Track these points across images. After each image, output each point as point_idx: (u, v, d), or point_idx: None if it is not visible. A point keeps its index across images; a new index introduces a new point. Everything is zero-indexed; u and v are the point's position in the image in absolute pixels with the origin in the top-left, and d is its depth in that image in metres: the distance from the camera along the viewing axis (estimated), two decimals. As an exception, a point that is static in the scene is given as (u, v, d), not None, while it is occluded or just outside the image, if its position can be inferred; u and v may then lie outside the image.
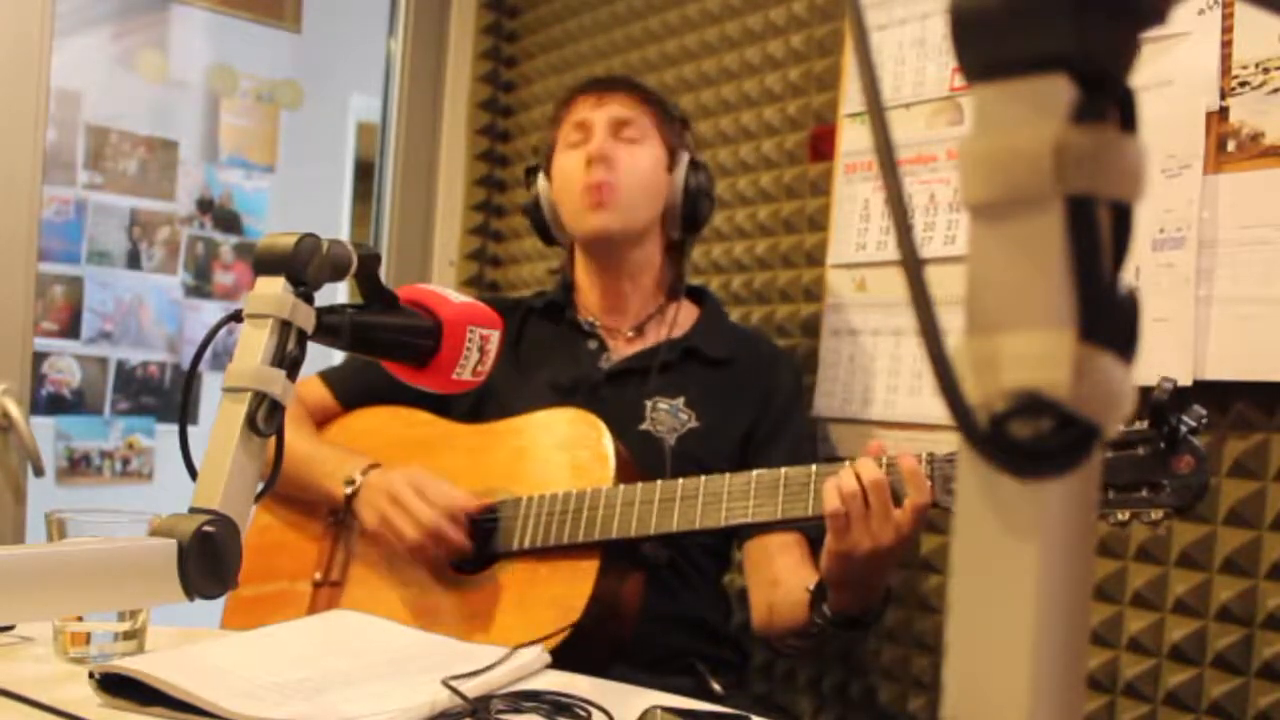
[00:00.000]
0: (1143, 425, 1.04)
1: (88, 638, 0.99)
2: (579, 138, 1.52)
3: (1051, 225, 0.33)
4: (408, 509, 1.32)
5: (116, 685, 0.84)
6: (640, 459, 1.39)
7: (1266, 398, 1.25)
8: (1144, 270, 1.33)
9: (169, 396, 2.96)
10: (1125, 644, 1.35)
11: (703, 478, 1.27)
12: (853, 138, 1.70)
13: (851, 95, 1.71)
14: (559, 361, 1.54)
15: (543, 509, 1.32)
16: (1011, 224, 0.34)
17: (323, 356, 1.58)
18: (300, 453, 1.42)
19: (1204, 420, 1.04)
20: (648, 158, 1.51)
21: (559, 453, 1.38)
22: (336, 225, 3.29)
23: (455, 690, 0.88)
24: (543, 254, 2.24)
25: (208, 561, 0.68)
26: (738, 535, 1.52)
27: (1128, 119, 0.34)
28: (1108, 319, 0.33)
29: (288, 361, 0.75)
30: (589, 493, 1.30)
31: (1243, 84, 1.27)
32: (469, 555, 1.34)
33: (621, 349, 1.55)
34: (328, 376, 1.59)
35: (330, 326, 0.78)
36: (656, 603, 1.37)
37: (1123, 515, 1.05)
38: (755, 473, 1.25)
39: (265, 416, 0.73)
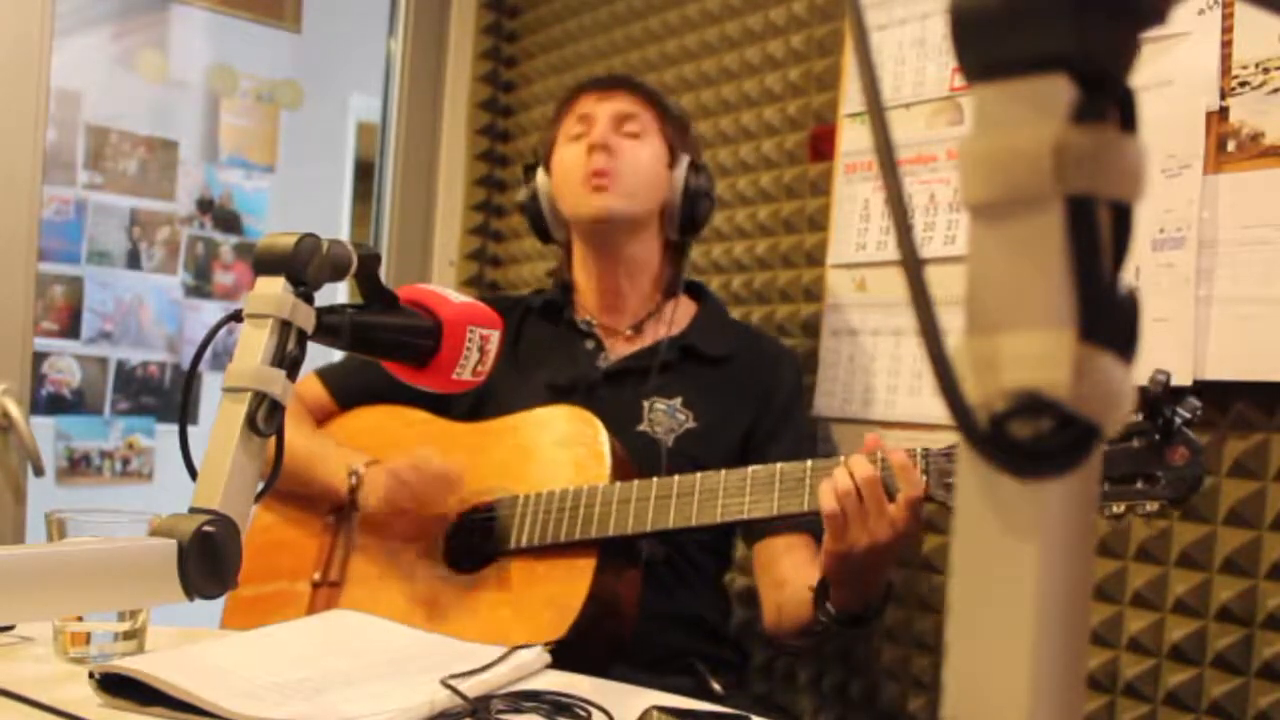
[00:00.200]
0: (1137, 417, 1.05)
1: (88, 638, 0.99)
2: (581, 130, 1.52)
3: (1051, 225, 0.33)
4: (409, 486, 1.35)
5: (116, 685, 0.84)
6: (638, 460, 1.39)
7: (1266, 398, 1.25)
8: (1144, 270, 1.33)
9: (169, 396, 2.96)
10: (1125, 644, 1.35)
11: (698, 474, 1.27)
12: (853, 138, 1.70)
13: (851, 95, 1.71)
14: (557, 361, 1.54)
15: (540, 507, 1.32)
16: (1011, 224, 0.34)
17: (322, 356, 1.58)
18: (301, 448, 1.43)
19: (1198, 411, 1.04)
20: (649, 152, 1.51)
21: (556, 451, 1.39)
22: (336, 225, 3.29)
23: (455, 690, 0.88)
24: (543, 254, 2.24)
25: (208, 561, 0.68)
26: (746, 535, 1.52)
27: (1128, 119, 0.34)
28: (1108, 319, 0.33)
29: (288, 361, 0.75)
30: (585, 490, 1.30)
31: (1243, 84, 1.27)
32: (465, 543, 1.33)
33: (619, 348, 1.55)
34: (325, 375, 1.59)
35: (330, 326, 0.78)
36: (655, 601, 1.37)
37: (1118, 508, 1.05)
38: (751, 469, 1.25)
39: (265, 416, 0.73)
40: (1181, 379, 1.26)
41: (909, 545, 1.57)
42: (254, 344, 0.74)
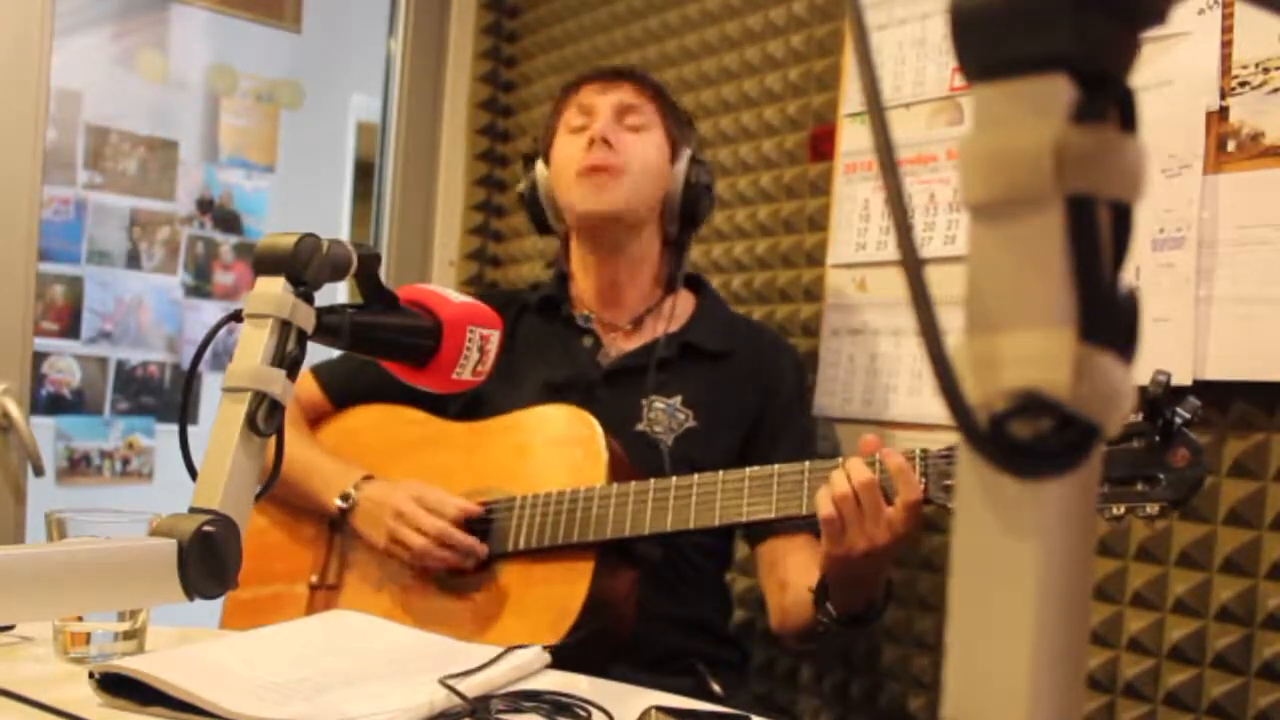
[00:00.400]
0: (1137, 418, 1.04)
1: (88, 638, 0.98)
2: (582, 122, 1.50)
3: (1051, 225, 0.33)
4: (414, 521, 1.32)
5: (116, 685, 0.84)
6: (637, 460, 1.38)
7: (1266, 398, 1.25)
8: (1144, 270, 1.33)
9: (169, 396, 2.96)
10: (1125, 644, 1.35)
11: (696, 476, 1.26)
12: (853, 138, 1.70)
13: (851, 95, 1.71)
14: (554, 359, 1.52)
15: (536, 509, 1.31)
16: (1011, 224, 0.34)
17: (323, 356, 1.58)
18: (295, 461, 1.41)
19: (1199, 412, 1.03)
20: (650, 145, 1.49)
21: (553, 451, 1.38)
22: (336, 225, 3.29)
23: (453, 689, 0.88)
24: (543, 253, 2.24)
25: (208, 561, 0.68)
26: (748, 536, 1.52)
27: (1128, 119, 0.34)
28: (1108, 319, 0.33)
29: (288, 361, 0.75)
30: (583, 492, 1.29)
31: (1243, 84, 1.27)
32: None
33: (618, 345, 1.53)
34: (320, 373, 1.58)
35: (330, 326, 0.78)
36: (655, 602, 1.37)
37: (1118, 510, 1.05)
38: (748, 470, 1.24)
39: (265, 416, 0.73)
40: (1181, 379, 1.26)
41: (907, 545, 1.57)
42: (254, 344, 0.74)
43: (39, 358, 2.67)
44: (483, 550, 1.32)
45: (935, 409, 1.52)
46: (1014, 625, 0.33)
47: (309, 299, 0.76)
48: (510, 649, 0.99)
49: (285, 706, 0.84)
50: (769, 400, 1.49)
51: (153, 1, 2.90)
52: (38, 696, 0.83)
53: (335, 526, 1.45)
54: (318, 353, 0.87)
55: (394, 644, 1.05)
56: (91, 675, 0.86)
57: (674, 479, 1.27)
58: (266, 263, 0.76)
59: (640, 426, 1.45)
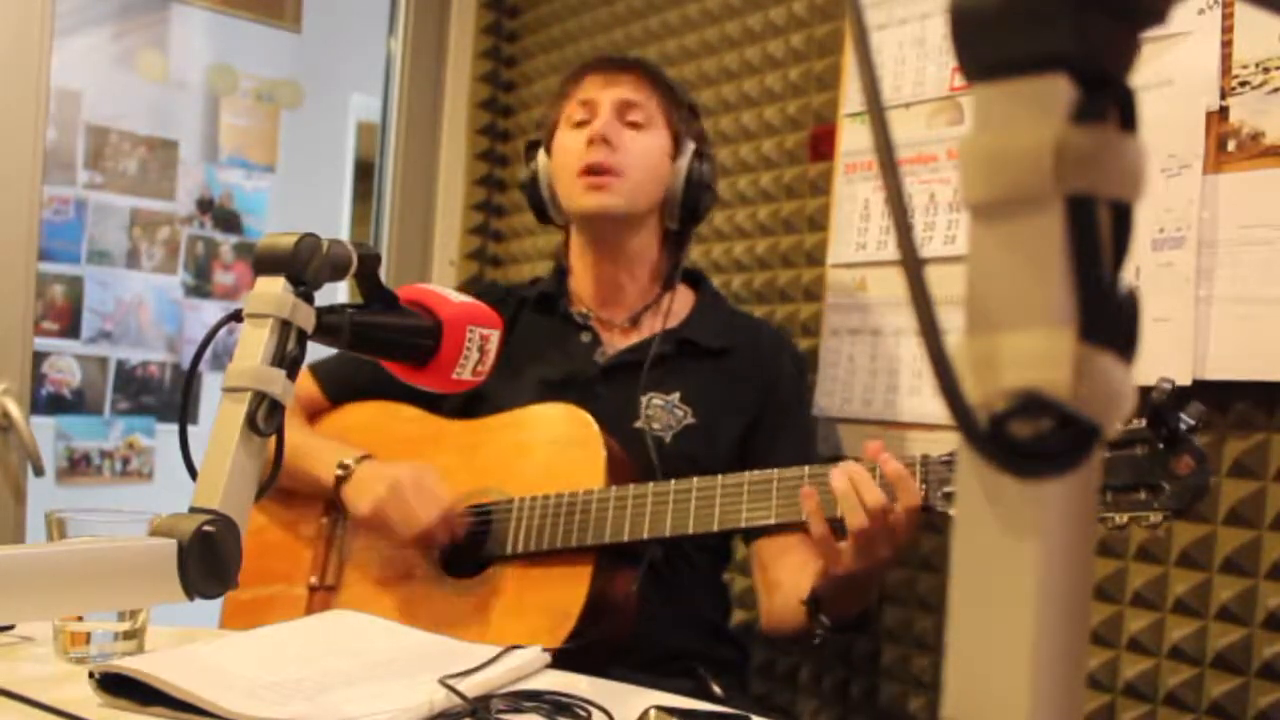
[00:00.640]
0: (1140, 424, 1.03)
1: (88, 638, 0.98)
2: (583, 116, 1.49)
3: (1051, 225, 0.33)
4: (405, 505, 1.32)
5: (116, 685, 0.84)
6: (635, 457, 1.38)
7: (1266, 398, 1.25)
8: (1144, 270, 1.33)
9: (169, 396, 2.96)
10: (1125, 644, 1.35)
11: (695, 480, 1.26)
12: (853, 138, 1.70)
13: (851, 95, 1.71)
14: (551, 356, 1.52)
15: (535, 511, 1.31)
16: (1011, 224, 0.34)
17: (323, 355, 1.58)
18: (293, 442, 1.41)
19: (1204, 417, 1.02)
20: (651, 143, 1.48)
21: (552, 450, 1.37)
22: (336, 225, 3.29)
23: (453, 689, 0.88)
24: (543, 253, 2.24)
25: (208, 561, 0.68)
26: (744, 534, 1.51)
27: (1128, 119, 0.34)
28: (1108, 319, 0.33)
29: (288, 361, 0.75)
30: (581, 495, 1.29)
31: (1243, 84, 1.27)
32: (457, 544, 1.33)
33: (616, 342, 1.53)
34: (317, 370, 1.57)
35: (330, 326, 0.78)
36: (654, 603, 1.37)
37: (1120, 519, 1.03)
38: (748, 475, 1.24)
39: (265, 416, 0.73)
40: (1181, 379, 1.26)
41: (907, 546, 1.57)
42: (254, 344, 0.74)
43: (39, 358, 2.67)
44: (458, 537, 1.33)
45: (935, 409, 1.52)
46: (1014, 625, 0.33)
47: (309, 299, 0.76)
48: (510, 648, 0.99)
49: (285, 706, 0.84)
50: (768, 397, 1.49)
51: (153, 1, 2.90)
52: (38, 696, 0.83)
53: (335, 525, 1.44)
54: (317, 352, 0.87)
55: (394, 644, 1.05)
56: (91, 675, 0.86)
57: (673, 483, 1.27)
58: (266, 263, 0.76)
59: (638, 423, 1.44)
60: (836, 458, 1.43)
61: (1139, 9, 0.34)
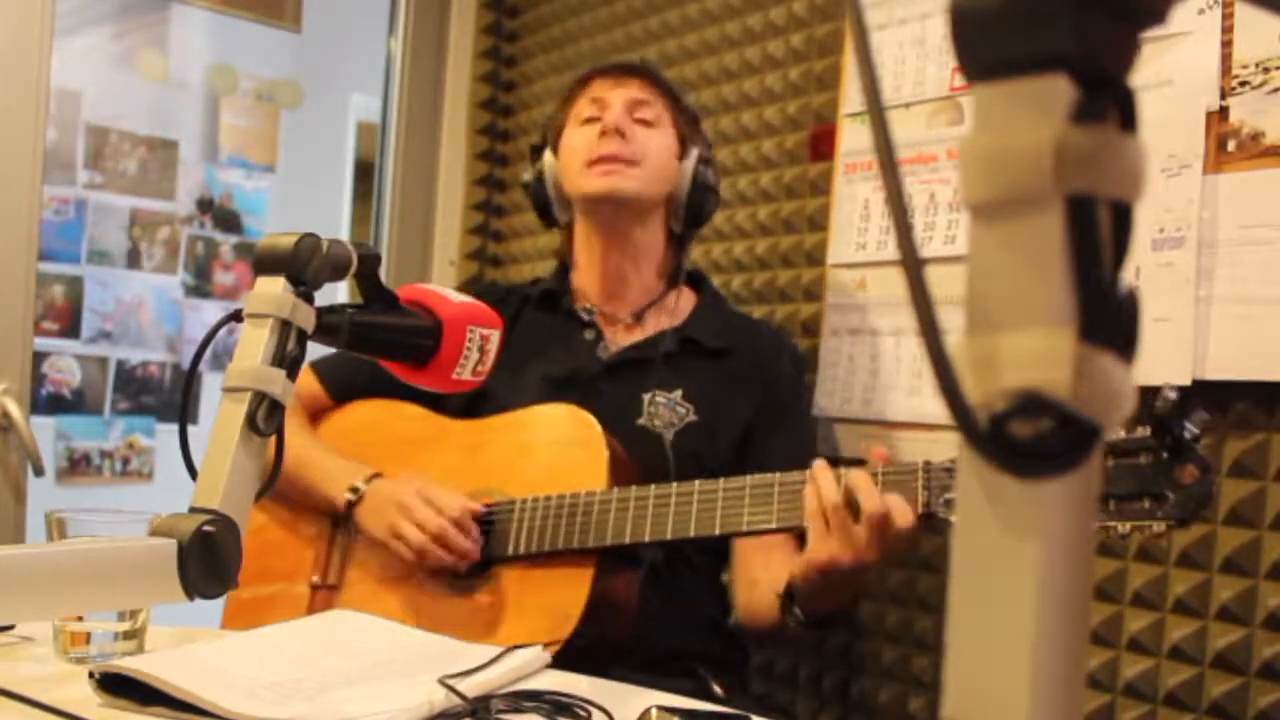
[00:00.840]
0: (1145, 433, 1.01)
1: (88, 638, 0.98)
2: (594, 113, 1.50)
3: (1051, 225, 0.33)
4: (416, 517, 1.32)
5: (116, 685, 0.84)
6: (638, 455, 1.38)
7: (1266, 398, 1.25)
8: (1144, 270, 1.33)
9: (169, 396, 2.96)
10: (1125, 644, 1.35)
11: (696, 483, 1.26)
12: (853, 138, 1.70)
13: (851, 95, 1.71)
14: (555, 353, 1.52)
15: (537, 513, 1.31)
16: (1011, 224, 0.34)
17: (323, 355, 1.58)
18: (301, 457, 1.42)
19: (1208, 426, 1.01)
20: (660, 140, 1.50)
21: (554, 451, 1.37)
22: (336, 225, 3.29)
23: (453, 690, 0.88)
24: (543, 254, 2.24)
25: (208, 561, 0.68)
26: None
27: (1128, 119, 0.34)
28: (1108, 319, 0.33)
29: (288, 361, 0.75)
30: (583, 497, 1.29)
31: (1243, 84, 1.27)
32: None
33: (619, 339, 1.53)
34: (319, 368, 1.58)
35: (330, 326, 0.78)
36: (654, 603, 1.37)
37: (1124, 528, 1.02)
38: (749, 479, 1.24)
39: (265, 416, 0.73)
40: (1181, 379, 1.26)
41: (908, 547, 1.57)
42: (254, 344, 0.74)
43: (39, 358, 2.67)
44: (475, 554, 1.32)
45: (935, 409, 1.52)
46: (1014, 625, 0.33)
47: (309, 299, 0.76)
48: (510, 649, 0.99)
49: (285, 706, 0.84)
50: (767, 396, 1.49)
51: (153, 1, 2.91)
52: (38, 696, 0.83)
53: (337, 525, 1.44)
54: (317, 352, 0.87)
55: (394, 644, 1.05)
56: (91, 675, 0.86)
57: (674, 486, 1.27)
58: (266, 263, 0.76)
59: (641, 421, 1.44)
60: (835, 458, 1.43)
61: (1139, 9, 0.34)
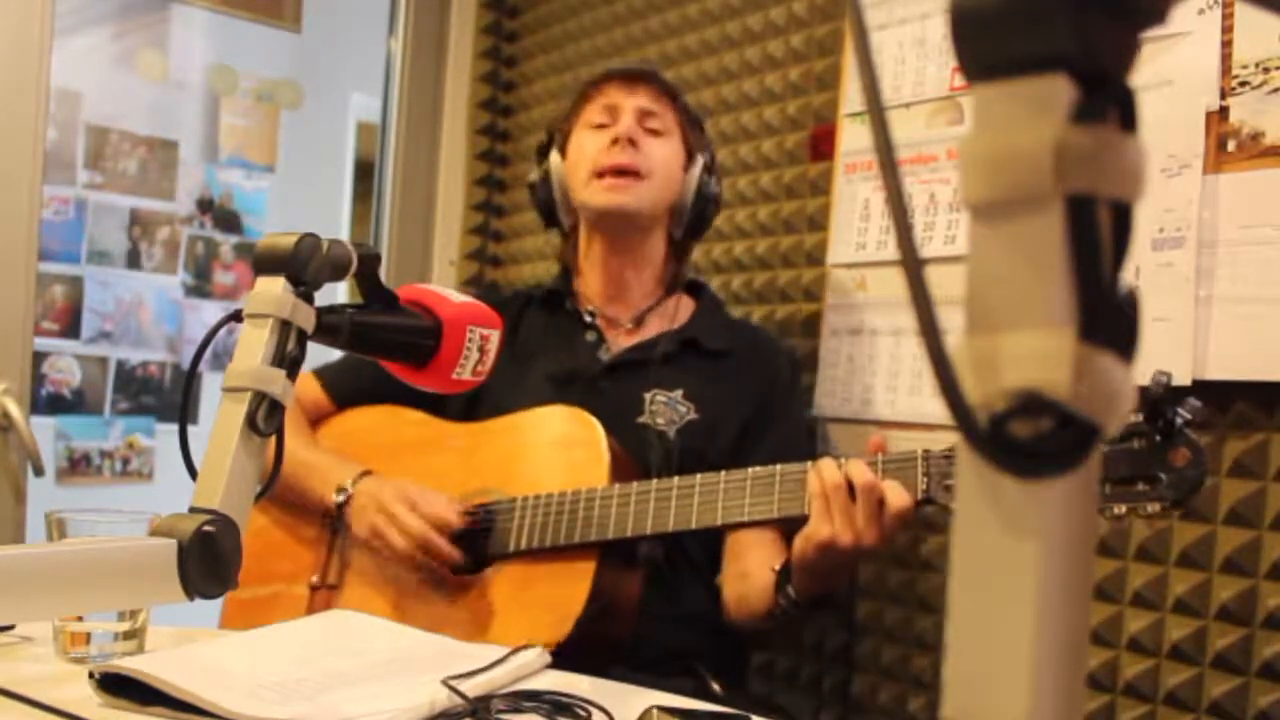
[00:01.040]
0: (1138, 419, 1.05)
1: (88, 638, 0.98)
2: (605, 120, 1.53)
3: (1051, 225, 0.33)
4: (397, 520, 1.32)
5: (116, 685, 0.84)
6: (638, 452, 1.39)
7: (1266, 398, 1.25)
8: (1144, 270, 1.33)
9: (169, 396, 2.96)
10: (1125, 644, 1.35)
11: (698, 476, 1.27)
12: (853, 137, 1.70)
13: (851, 95, 1.71)
14: (556, 353, 1.54)
15: (538, 510, 1.32)
16: (1011, 224, 0.34)
17: (322, 356, 1.58)
18: (295, 459, 1.42)
19: (1199, 412, 1.03)
20: (669, 151, 1.53)
21: (554, 452, 1.38)
22: (336, 225, 3.29)
23: (455, 690, 0.88)
24: (544, 254, 2.24)
25: (208, 561, 0.68)
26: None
27: (1128, 119, 0.34)
28: (1108, 319, 0.33)
29: (288, 361, 0.75)
30: (584, 493, 1.30)
31: (1243, 84, 1.27)
32: (460, 565, 1.33)
33: (620, 341, 1.55)
34: (322, 374, 1.59)
35: (330, 326, 0.78)
36: (655, 602, 1.37)
37: (1119, 510, 1.05)
38: (751, 470, 1.25)
39: (265, 416, 0.73)
40: (1181, 379, 1.26)
41: (908, 546, 1.57)
42: (254, 344, 0.74)
43: (39, 358, 2.67)
44: (457, 559, 1.33)
45: (935, 409, 1.52)
46: (1014, 625, 0.33)
47: (309, 299, 0.76)
48: (511, 651, 0.99)
49: (285, 706, 0.84)
50: (764, 394, 1.51)
51: (153, 1, 2.90)
52: (38, 696, 0.83)
53: (335, 526, 1.45)
54: (318, 353, 0.87)
55: (394, 644, 1.05)
56: (91, 675, 0.86)
57: (675, 479, 1.28)
58: (266, 263, 0.76)
59: (642, 419, 1.46)
60: (835, 458, 1.43)
61: (1139, 9, 0.34)
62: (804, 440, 1.59)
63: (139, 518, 0.95)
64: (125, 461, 2.89)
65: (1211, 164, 1.29)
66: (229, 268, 3.03)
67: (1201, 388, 1.25)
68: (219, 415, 0.73)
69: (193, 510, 0.70)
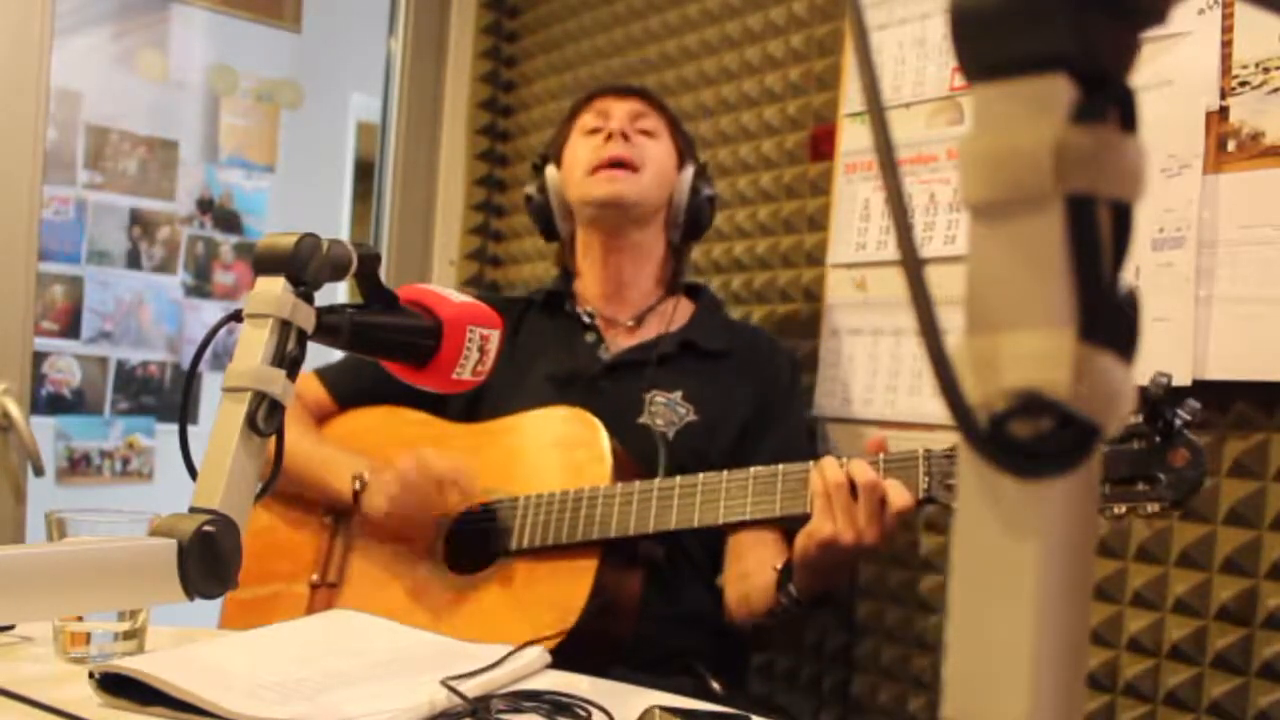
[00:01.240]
0: (1137, 419, 1.05)
1: (88, 638, 0.98)
2: (598, 124, 1.56)
3: (1051, 225, 0.33)
4: (421, 462, 1.34)
5: (116, 685, 0.84)
6: (638, 453, 1.40)
7: (1266, 398, 1.25)
8: (1144, 270, 1.33)
9: (169, 396, 2.96)
10: (1125, 644, 1.35)
11: (700, 475, 1.27)
12: (853, 137, 1.70)
13: (851, 95, 1.71)
14: (556, 354, 1.55)
15: (540, 508, 1.32)
16: (1011, 224, 0.34)
17: (322, 356, 1.58)
18: (304, 450, 1.43)
19: (1198, 413, 1.04)
20: (662, 149, 1.57)
21: (556, 452, 1.39)
22: (336, 225, 3.29)
23: (455, 690, 0.88)
24: (543, 254, 2.24)
25: (208, 561, 0.68)
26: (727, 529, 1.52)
27: (1128, 119, 0.34)
28: (1108, 319, 0.33)
29: (288, 361, 0.75)
30: (586, 491, 1.30)
31: (1243, 84, 1.27)
32: (465, 544, 1.33)
33: (620, 341, 1.56)
34: (324, 375, 1.59)
35: (330, 326, 0.78)
36: (656, 601, 1.37)
37: (1119, 509, 1.06)
38: (753, 470, 1.25)
39: (265, 416, 0.73)
40: (1181, 379, 1.26)
41: (908, 546, 1.57)
42: (254, 344, 0.74)
43: (39, 358, 2.67)
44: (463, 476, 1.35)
45: (935, 409, 1.52)
46: (1014, 625, 0.33)
47: (309, 299, 0.76)
48: (514, 651, 0.99)
49: (285, 706, 0.84)
50: (763, 395, 1.52)
51: (153, 1, 2.90)
52: (38, 696, 0.83)
53: (338, 522, 1.45)
54: (318, 354, 0.87)
55: (394, 644, 1.05)
56: (91, 675, 0.86)
57: (678, 478, 1.28)
58: (266, 263, 0.76)
59: (642, 419, 1.47)
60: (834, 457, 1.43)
61: (1139, 9, 0.34)
62: (804, 441, 1.59)
63: (139, 518, 0.95)
64: (125, 461, 2.89)
65: (1211, 164, 1.29)
66: (229, 268, 3.03)
67: (1201, 388, 1.25)
68: (219, 415, 0.73)
69: (193, 510, 0.70)
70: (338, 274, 0.79)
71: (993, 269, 0.35)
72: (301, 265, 0.75)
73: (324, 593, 1.43)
